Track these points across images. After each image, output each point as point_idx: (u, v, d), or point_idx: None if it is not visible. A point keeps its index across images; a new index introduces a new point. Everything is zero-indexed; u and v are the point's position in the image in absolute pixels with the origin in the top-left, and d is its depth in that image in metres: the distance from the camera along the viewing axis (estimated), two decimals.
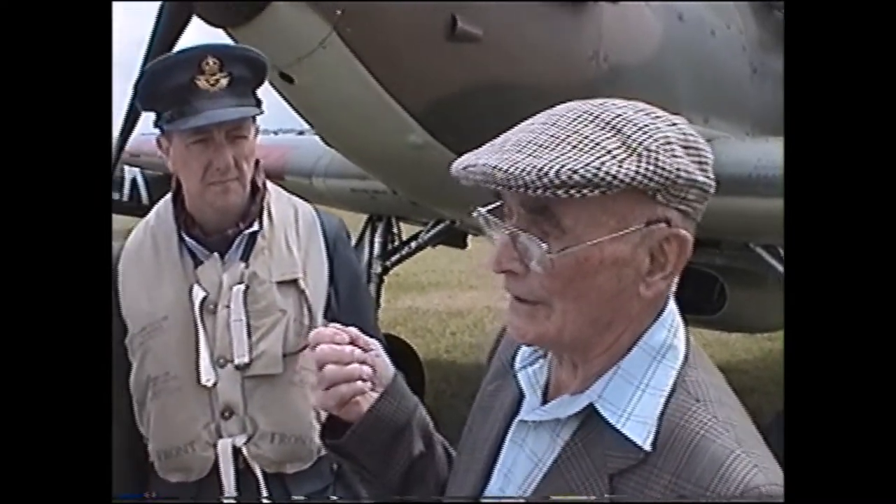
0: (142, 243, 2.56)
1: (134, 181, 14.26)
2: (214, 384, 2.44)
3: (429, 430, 1.56)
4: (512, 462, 1.35)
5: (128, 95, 4.39)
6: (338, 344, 1.45)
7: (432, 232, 7.57)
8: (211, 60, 2.37)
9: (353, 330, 1.49)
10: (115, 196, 12.84)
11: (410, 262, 8.29)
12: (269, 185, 2.63)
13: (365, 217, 7.63)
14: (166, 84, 2.39)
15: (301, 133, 8.53)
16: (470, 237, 8.43)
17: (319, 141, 5.61)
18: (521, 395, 1.38)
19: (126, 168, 12.54)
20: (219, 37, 3.76)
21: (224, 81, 2.37)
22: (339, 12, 3.80)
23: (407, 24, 4.03)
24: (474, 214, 1.28)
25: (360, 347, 1.47)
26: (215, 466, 2.46)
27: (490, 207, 1.26)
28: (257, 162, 2.53)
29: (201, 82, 2.35)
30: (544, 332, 1.25)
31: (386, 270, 7.57)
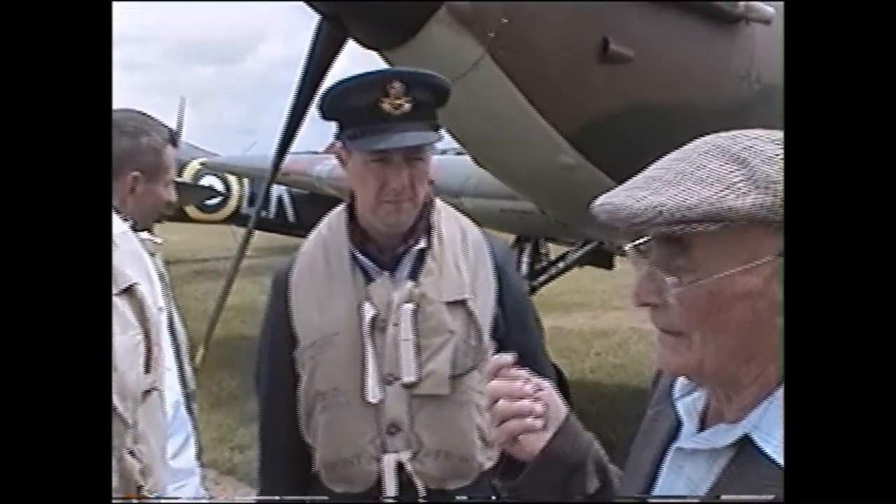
0: (314, 256, 2.62)
1: (280, 199, 14.62)
2: (381, 401, 2.48)
3: (604, 465, 1.55)
4: (669, 488, 1.36)
5: (280, 114, 4.50)
6: (510, 379, 1.48)
7: (580, 252, 7.55)
8: (397, 84, 2.40)
9: (524, 372, 1.51)
10: (263, 213, 13.18)
11: (554, 281, 8.28)
12: (440, 203, 2.67)
13: (513, 237, 7.64)
14: (350, 104, 2.44)
15: (444, 153, 8.61)
16: (617, 258, 8.38)
17: (467, 161, 5.65)
18: (679, 423, 1.39)
19: (273, 186, 12.85)
20: (372, 59, 3.83)
21: (408, 106, 2.40)
22: (491, 34, 3.83)
23: (559, 45, 4.03)
24: (626, 248, 1.29)
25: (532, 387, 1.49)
26: (379, 480, 2.50)
27: (636, 242, 1.26)
28: (431, 181, 2.57)
29: (385, 105, 2.38)
30: (685, 362, 1.26)
31: (533, 290, 7.56)
